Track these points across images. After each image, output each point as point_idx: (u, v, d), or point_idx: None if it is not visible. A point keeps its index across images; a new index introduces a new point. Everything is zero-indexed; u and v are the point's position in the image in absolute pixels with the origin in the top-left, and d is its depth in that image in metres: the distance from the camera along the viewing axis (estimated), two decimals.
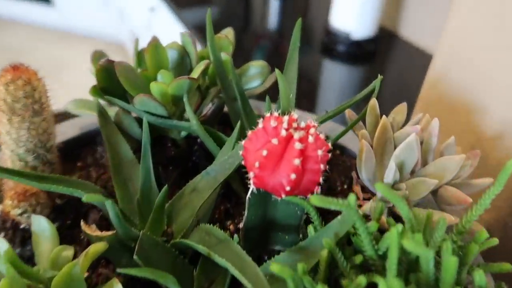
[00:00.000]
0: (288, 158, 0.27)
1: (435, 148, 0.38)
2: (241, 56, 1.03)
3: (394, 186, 0.36)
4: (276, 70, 0.30)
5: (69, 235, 0.39)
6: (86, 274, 0.35)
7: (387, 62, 1.13)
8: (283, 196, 0.29)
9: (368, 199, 0.39)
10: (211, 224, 0.33)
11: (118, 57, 0.44)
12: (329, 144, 0.29)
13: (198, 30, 1.14)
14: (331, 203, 0.24)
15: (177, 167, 0.47)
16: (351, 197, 0.24)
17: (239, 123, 0.39)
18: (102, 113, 0.45)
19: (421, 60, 1.07)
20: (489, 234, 0.46)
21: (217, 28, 0.47)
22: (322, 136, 0.28)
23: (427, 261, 0.22)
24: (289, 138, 0.28)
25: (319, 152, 0.28)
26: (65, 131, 0.50)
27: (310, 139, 0.28)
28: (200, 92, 0.48)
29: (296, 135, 0.28)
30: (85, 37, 2.73)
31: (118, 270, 0.26)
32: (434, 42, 1.06)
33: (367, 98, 0.40)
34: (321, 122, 0.40)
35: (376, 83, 0.39)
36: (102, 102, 0.45)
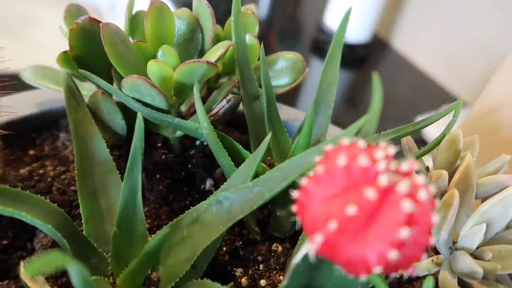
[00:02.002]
0: (387, 222, 0.17)
1: None
2: None
3: (474, 252, 0.27)
4: (374, 75, 0.20)
5: (2, 261, 0.27)
6: None
7: (376, 70, 1.08)
8: (363, 276, 0.18)
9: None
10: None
11: None
12: (436, 201, 0.18)
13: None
14: None
15: (167, 176, 0.35)
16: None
17: (267, 138, 0.28)
18: (71, 91, 0.32)
19: (409, 73, 1.04)
20: None
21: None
22: (432, 188, 0.18)
23: None
24: (390, 190, 0.17)
25: (432, 218, 0.17)
26: (16, 107, 0.37)
27: (422, 196, 0.17)
28: (209, 82, 0.36)
29: (403, 186, 0.17)
30: None
31: None
32: (424, 56, 1.03)
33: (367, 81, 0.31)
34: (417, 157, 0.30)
35: (457, 106, 0.29)
36: (74, 77, 0.33)
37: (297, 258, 0.20)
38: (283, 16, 1.23)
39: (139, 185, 0.25)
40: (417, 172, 0.24)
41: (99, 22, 0.29)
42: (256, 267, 0.28)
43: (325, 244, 0.18)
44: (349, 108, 0.96)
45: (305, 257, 0.20)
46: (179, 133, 0.35)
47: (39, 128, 0.39)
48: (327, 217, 0.17)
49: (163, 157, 0.35)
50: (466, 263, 0.24)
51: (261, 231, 0.31)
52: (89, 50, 0.30)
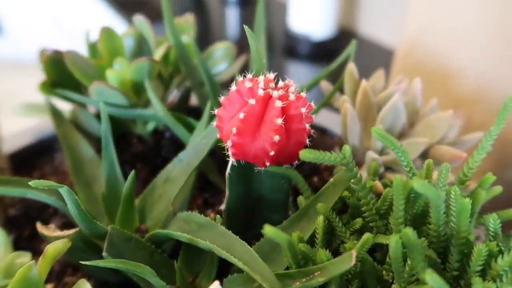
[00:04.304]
0: (269, 119, 0.24)
1: (420, 110, 0.36)
2: None
3: (383, 151, 0.34)
4: (245, 27, 0.27)
5: (27, 248, 0.34)
6: (51, 286, 0.31)
7: (348, 60, 1.14)
8: (267, 164, 0.25)
9: None
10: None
11: None
12: (312, 104, 0.26)
13: None
14: (324, 157, 0.21)
15: (146, 164, 0.43)
16: (346, 148, 0.22)
17: (208, 103, 0.36)
18: (54, 112, 0.41)
19: (380, 55, 1.09)
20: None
21: None
22: (303, 94, 0.26)
23: (438, 205, 0.20)
24: (267, 98, 0.25)
25: (303, 110, 0.25)
26: (17, 140, 0.45)
27: (291, 96, 0.25)
28: (163, 81, 0.44)
29: (275, 93, 0.25)
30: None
31: (82, 262, 0.22)
32: (392, 37, 1.08)
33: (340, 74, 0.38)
34: (300, 92, 0.38)
35: (351, 48, 0.37)
36: (56, 102, 0.41)
37: (227, 170, 0.27)
38: (251, 29, 1.32)
39: (115, 159, 0.33)
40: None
41: (61, 52, 0.38)
42: (222, 204, 0.35)
43: (234, 147, 0.25)
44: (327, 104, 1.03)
45: (232, 166, 0.27)
46: (149, 127, 0.43)
47: (38, 154, 0.47)
48: (231, 127, 0.25)
49: (140, 149, 0.43)
50: (369, 156, 0.32)
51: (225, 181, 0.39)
52: (60, 74, 0.38)
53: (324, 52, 1.10)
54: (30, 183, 0.23)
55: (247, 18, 1.35)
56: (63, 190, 0.24)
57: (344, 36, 1.17)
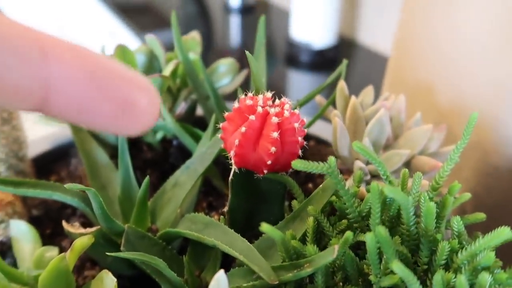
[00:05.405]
0: (267, 133, 0.28)
1: (404, 124, 0.40)
2: None
3: (369, 161, 0.38)
4: (246, 52, 0.31)
5: (49, 244, 0.38)
6: None
7: (348, 68, 1.18)
8: (265, 171, 0.29)
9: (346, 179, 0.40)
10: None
11: None
12: (305, 119, 0.30)
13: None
14: (312, 166, 0.25)
15: (155, 170, 0.47)
16: (331, 159, 0.25)
17: (213, 116, 0.40)
18: None
19: (379, 63, 1.12)
20: (463, 209, 0.48)
21: None
22: (297, 111, 0.30)
23: (407, 208, 0.24)
24: (265, 115, 0.29)
25: (296, 125, 0.29)
26: (36, 146, 0.49)
27: (286, 113, 0.28)
28: (172, 94, 0.48)
29: (272, 110, 0.28)
30: None
31: (108, 254, 0.26)
32: (389, 44, 1.12)
33: (335, 86, 0.42)
34: (295, 109, 0.41)
35: (341, 67, 0.41)
36: None
37: (230, 177, 0.31)
38: (254, 39, 1.35)
39: (130, 165, 0.37)
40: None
41: None
42: (223, 209, 0.39)
43: (237, 157, 0.29)
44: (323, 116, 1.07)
45: (234, 173, 0.31)
46: (158, 136, 0.47)
47: (55, 160, 0.51)
48: (234, 139, 0.29)
49: (149, 156, 0.47)
50: (356, 165, 0.35)
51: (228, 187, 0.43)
52: None
53: (324, 60, 1.14)
54: (65, 185, 0.27)
55: (249, 25, 1.39)
56: (90, 192, 0.28)
57: (344, 44, 1.21)
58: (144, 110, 0.16)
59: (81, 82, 0.14)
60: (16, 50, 0.13)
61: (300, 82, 1.12)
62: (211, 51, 1.23)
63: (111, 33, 1.75)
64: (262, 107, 0.29)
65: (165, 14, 1.41)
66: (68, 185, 0.27)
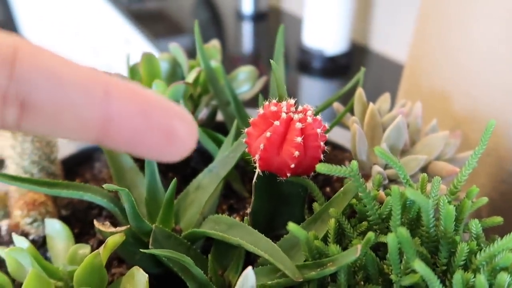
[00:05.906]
0: (290, 137, 0.30)
1: (421, 130, 0.41)
2: None
3: (387, 165, 0.39)
4: (271, 61, 0.33)
5: (78, 242, 0.40)
6: None
7: (359, 81, 1.19)
8: (288, 175, 0.31)
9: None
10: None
11: None
12: (326, 125, 0.31)
13: None
14: (336, 170, 0.26)
15: (177, 173, 0.48)
16: (354, 163, 0.27)
17: (235, 121, 0.41)
18: None
19: (391, 69, 1.13)
20: (479, 213, 0.48)
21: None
22: (319, 117, 0.31)
23: (427, 210, 0.25)
24: (289, 120, 0.30)
25: (318, 130, 0.30)
26: (63, 149, 0.51)
27: (309, 119, 0.30)
28: (193, 100, 0.50)
29: (296, 116, 0.30)
30: None
31: (141, 250, 0.27)
32: (403, 52, 1.12)
33: (352, 93, 0.43)
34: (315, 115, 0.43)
35: (359, 75, 0.42)
36: None
37: (254, 179, 0.33)
38: (266, 46, 1.37)
39: (156, 169, 0.39)
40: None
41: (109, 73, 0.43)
42: (245, 210, 0.41)
43: (261, 161, 0.30)
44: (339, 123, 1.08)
45: (258, 176, 0.32)
46: None
47: (80, 163, 0.53)
48: (258, 143, 0.30)
49: None
50: (375, 170, 0.36)
51: (247, 190, 0.44)
52: None
53: (336, 67, 1.15)
54: (104, 186, 0.29)
55: (261, 32, 1.41)
56: (124, 192, 0.29)
57: (356, 51, 1.22)
58: (184, 139, 0.17)
59: (136, 116, 0.16)
60: (84, 90, 0.15)
61: (313, 88, 1.14)
62: (224, 57, 1.25)
63: (126, 40, 1.78)
64: (286, 113, 0.30)
65: (179, 21, 1.44)
66: (106, 186, 0.29)
